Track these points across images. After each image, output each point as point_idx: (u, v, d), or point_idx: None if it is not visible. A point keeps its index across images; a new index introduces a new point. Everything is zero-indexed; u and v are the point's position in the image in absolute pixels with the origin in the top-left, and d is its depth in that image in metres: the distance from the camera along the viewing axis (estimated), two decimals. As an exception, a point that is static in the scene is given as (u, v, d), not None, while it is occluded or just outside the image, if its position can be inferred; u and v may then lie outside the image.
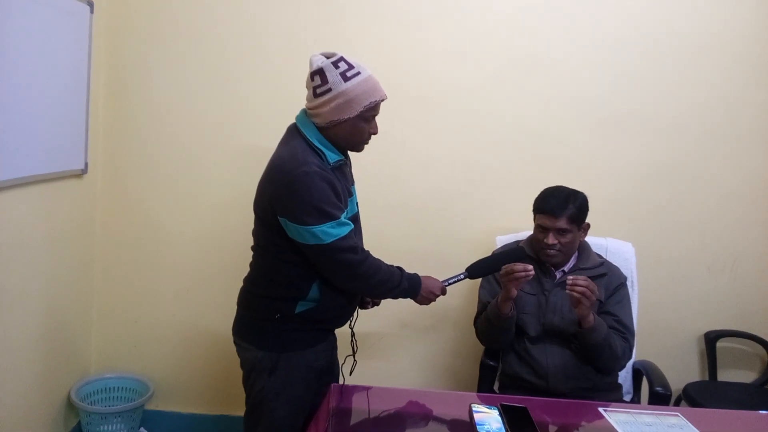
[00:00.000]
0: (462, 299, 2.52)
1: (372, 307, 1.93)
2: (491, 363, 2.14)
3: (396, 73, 2.40)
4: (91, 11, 2.28)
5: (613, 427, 1.58)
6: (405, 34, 2.44)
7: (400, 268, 1.76)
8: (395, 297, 1.76)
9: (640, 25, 2.44)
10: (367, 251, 1.69)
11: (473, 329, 2.15)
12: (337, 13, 2.43)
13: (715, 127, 2.49)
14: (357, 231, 1.75)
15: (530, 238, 2.10)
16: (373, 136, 1.71)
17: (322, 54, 1.62)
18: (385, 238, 2.29)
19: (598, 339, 1.87)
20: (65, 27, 2.14)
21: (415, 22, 2.44)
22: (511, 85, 2.47)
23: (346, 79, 1.57)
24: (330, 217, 1.55)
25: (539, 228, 2.00)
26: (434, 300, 1.82)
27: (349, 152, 1.79)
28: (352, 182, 1.81)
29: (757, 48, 2.46)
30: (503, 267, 1.88)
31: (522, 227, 2.26)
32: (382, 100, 1.65)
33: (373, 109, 1.63)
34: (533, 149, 2.49)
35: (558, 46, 2.45)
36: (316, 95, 1.61)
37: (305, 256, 1.62)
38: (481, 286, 2.14)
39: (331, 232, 1.55)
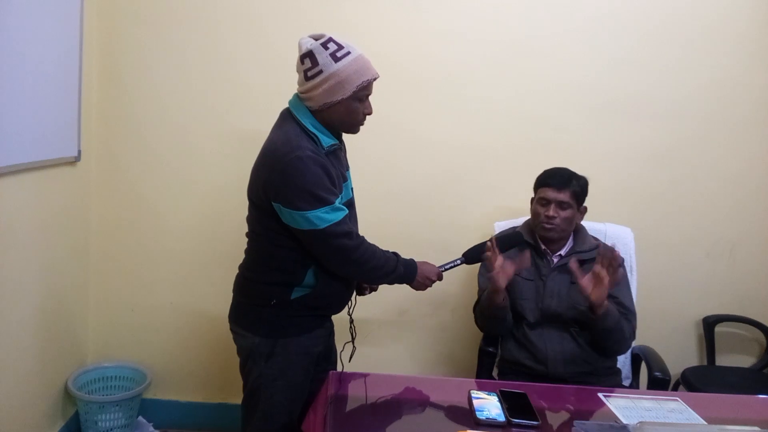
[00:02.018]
0: (460, 286, 2.51)
1: (369, 293, 1.93)
2: (490, 349, 2.14)
3: (394, 57, 2.38)
4: (82, -6, 2.24)
5: (612, 412, 1.58)
6: (403, 17, 2.41)
7: (395, 254, 1.75)
8: (391, 283, 1.75)
9: (639, 9, 2.42)
10: (362, 237, 1.67)
11: (472, 316, 2.15)
12: (337, -3, 2.40)
13: (714, 112, 2.48)
14: (352, 216, 1.74)
15: (527, 223, 2.09)
16: (369, 121, 1.69)
17: (311, 36, 1.60)
18: (382, 223, 2.27)
19: (611, 324, 1.86)
20: (55, 11, 2.10)
21: (413, 5, 2.41)
22: (510, 69, 2.45)
23: (336, 59, 1.55)
24: (324, 202, 1.54)
25: (541, 201, 2.00)
26: (430, 286, 1.82)
27: (345, 137, 1.77)
28: (347, 167, 1.79)
29: (757, 32, 2.44)
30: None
31: (521, 212, 2.25)
32: (375, 79, 1.63)
33: (366, 89, 1.61)
34: (532, 134, 2.47)
35: (557, 30, 2.43)
36: (307, 78, 1.59)
37: (300, 241, 1.61)
38: (480, 273, 2.13)
39: (325, 217, 1.54)
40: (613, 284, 1.81)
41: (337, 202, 1.58)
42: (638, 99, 2.46)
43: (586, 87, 2.46)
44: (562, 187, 1.96)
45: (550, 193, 1.97)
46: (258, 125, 1.85)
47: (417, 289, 1.80)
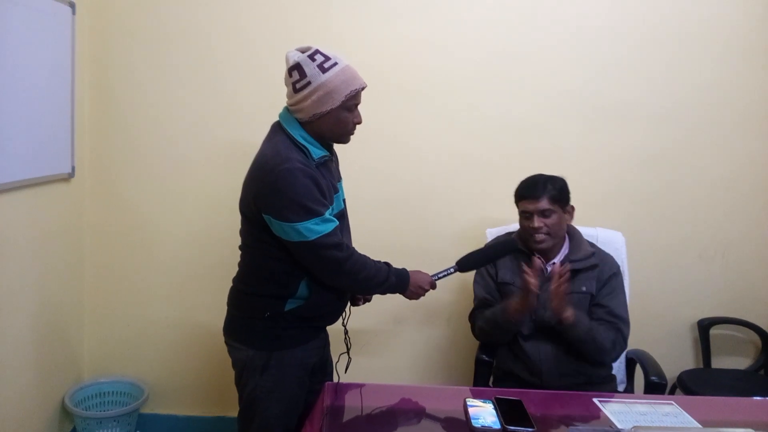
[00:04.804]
0: (455, 294, 2.52)
1: (363, 303, 1.92)
2: (486, 358, 2.12)
3: (384, 67, 2.40)
4: (73, 12, 2.26)
5: (607, 417, 1.58)
6: (392, 27, 2.43)
7: (387, 264, 1.75)
8: (383, 293, 1.75)
9: (627, 14, 2.44)
10: (353, 248, 1.68)
11: (467, 324, 2.15)
12: (323, 8, 2.42)
13: (705, 115, 2.49)
14: (344, 227, 1.75)
15: (519, 232, 2.09)
16: (361, 131, 1.70)
17: (297, 49, 1.62)
18: (374, 233, 2.28)
19: (580, 334, 1.87)
20: (47, 29, 2.12)
21: (402, 16, 2.43)
22: (499, 77, 2.46)
23: (324, 70, 1.57)
24: (313, 213, 1.54)
25: (523, 215, 2.00)
26: (424, 295, 1.81)
27: (337, 148, 1.78)
28: (339, 179, 1.80)
29: (747, 35, 2.45)
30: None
31: (512, 219, 2.25)
32: (363, 89, 1.64)
33: (354, 98, 1.62)
34: (523, 141, 2.49)
35: (545, 38, 2.44)
36: (296, 90, 1.60)
37: (292, 253, 1.61)
38: (475, 281, 2.13)
39: (314, 228, 1.54)
40: (561, 298, 1.83)
41: (328, 214, 1.58)
42: (628, 104, 2.48)
43: (575, 93, 2.47)
44: (538, 196, 1.94)
45: (529, 205, 1.96)
46: (250, 138, 1.85)
47: (410, 298, 1.80)
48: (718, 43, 2.46)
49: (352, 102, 1.62)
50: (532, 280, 1.83)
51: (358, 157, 2.16)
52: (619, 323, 1.95)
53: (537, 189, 1.95)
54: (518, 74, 2.46)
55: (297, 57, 1.59)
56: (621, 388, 2.16)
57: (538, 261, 1.86)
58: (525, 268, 1.85)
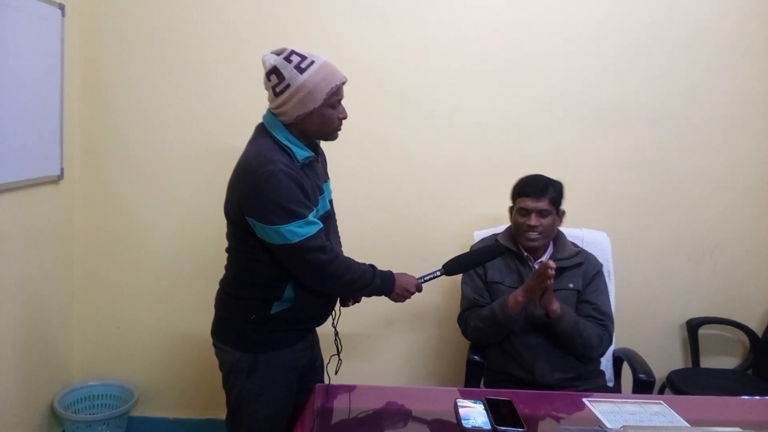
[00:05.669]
0: (445, 295, 2.52)
1: (353, 304, 1.91)
2: (477, 359, 2.12)
3: (374, 69, 2.41)
4: (63, 14, 2.25)
5: (597, 416, 1.59)
6: (383, 29, 2.44)
7: (372, 266, 1.74)
8: (369, 295, 1.75)
9: (621, 17, 2.45)
10: (336, 251, 1.67)
11: (458, 326, 2.15)
12: (314, 11, 2.42)
13: (694, 117, 2.51)
14: (331, 228, 1.75)
15: (508, 230, 2.10)
16: (350, 132, 1.70)
17: (273, 52, 1.60)
18: (362, 234, 2.29)
19: (567, 328, 1.90)
20: (36, 31, 2.11)
21: (393, 18, 2.43)
22: (488, 79, 2.47)
23: (301, 71, 1.55)
24: (296, 216, 1.53)
25: (521, 211, 2.01)
26: (409, 297, 1.81)
27: (325, 148, 1.78)
28: (326, 179, 1.79)
29: (739, 39, 2.47)
30: (533, 277, 1.85)
31: (500, 221, 2.26)
32: (343, 83, 1.62)
33: (336, 94, 1.61)
34: (510, 143, 2.49)
35: (537, 40, 2.45)
36: (276, 94, 1.58)
37: (277, 256, 1.60)
38: (464, 281, 2.14)
39: (297, 231, 1.53)
40: (543, 294, 1.85)
41: (312, 216, 1.57)
42: (618, 106, 2.49)
43: (564, 96, 2.48)
44: (540, 196, 1.98)
45: (529, 203, 1.98)
46: (241, 140, 1.84)
47: (395, 300, 1.80)
48: (709, 47, 2.47)
49: (334, 98, 1.61)
50: (552, 267, 1.79)
51: (348, 158, 2.16)
52: (605, 320, 1.98)
53: (540, 188, 1.99)
54: (507, 77, 2.47)
55: (273, 60, 1.57)
56: (610, 385, 2.17)
57: (550, 262, 1.83)
58: (548, 261, 1.82)
